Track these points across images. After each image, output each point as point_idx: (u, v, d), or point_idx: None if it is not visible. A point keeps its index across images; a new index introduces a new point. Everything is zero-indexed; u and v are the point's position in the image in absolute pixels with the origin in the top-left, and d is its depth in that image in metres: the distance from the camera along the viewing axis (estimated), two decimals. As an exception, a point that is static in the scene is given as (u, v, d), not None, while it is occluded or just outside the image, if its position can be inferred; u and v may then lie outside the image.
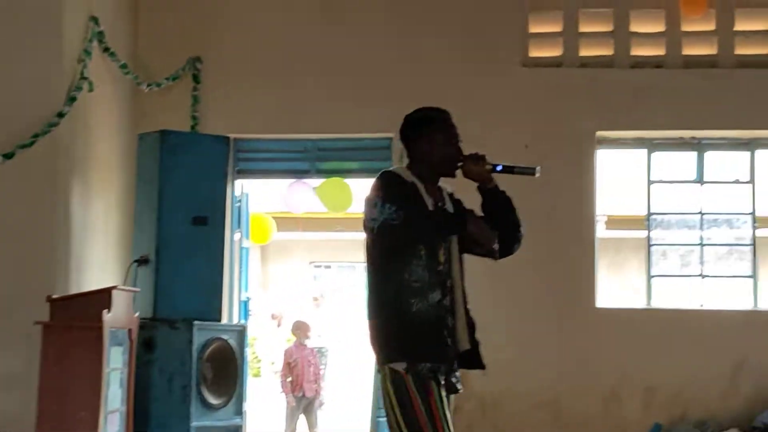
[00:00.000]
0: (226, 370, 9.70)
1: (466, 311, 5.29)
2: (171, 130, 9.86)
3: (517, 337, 10.36)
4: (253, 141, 11.35)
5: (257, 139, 11.36)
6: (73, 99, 9.33)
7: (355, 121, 11.00)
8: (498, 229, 5.23)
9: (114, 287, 8.46)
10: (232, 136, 10.70)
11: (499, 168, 5.26)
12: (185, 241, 9.58)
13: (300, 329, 13.62)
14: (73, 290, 9.26)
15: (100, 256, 10.12)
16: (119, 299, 8.35)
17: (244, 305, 11.63)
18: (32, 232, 9.17)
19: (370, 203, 5.10)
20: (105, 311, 8.04)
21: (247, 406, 10.59)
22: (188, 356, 9.30)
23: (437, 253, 5.20)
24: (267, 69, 11.09)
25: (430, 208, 5.20)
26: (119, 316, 8.32)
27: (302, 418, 13.15)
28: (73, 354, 8.05)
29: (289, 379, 13.07)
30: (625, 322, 10.68)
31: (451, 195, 5.41)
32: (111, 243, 10.39)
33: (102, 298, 8.21)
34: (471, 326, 5.29)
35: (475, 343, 5.27)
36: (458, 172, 5.34)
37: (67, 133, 9.41)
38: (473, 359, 5.28)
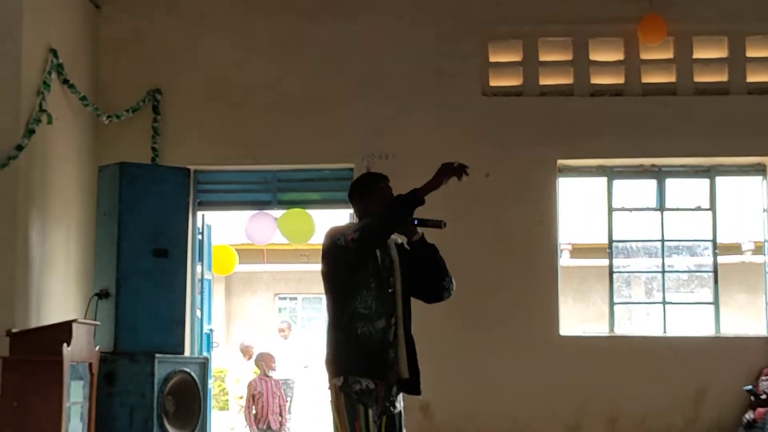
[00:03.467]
0: (188, 403, 9.61)
1: (409, 342, 5.93)
2: (131, 162, 9.81)
3: (479, 365, 10.36)
4: (213, 173, 11.30)
5: (218, 171, 11.30)
6: (31, 131, 9.28)
7: (315, 151, 10.97)
8: (427, 277, 5.99)
9: (74, 320, 8.41)
10: (192, 167, 10.67)
11: (415, 222, 5.92)
12: (146, 274, 9.52)
13: (263, 360, 13.57)
14: (33, 324, 9.19)
15: (60, 289, 10.02)
16: (79, 333, 8.30)
17: (207, 337, 11.55)
18: (-9, 265, 9.10)
19: None
20: (65, 345, 8.00)
21: (211, 439, 10.52)
22: (149, 389, 9.22)
23: (384, 287, 5.92)
24: (227, 100, 11.04)
25: (380, 261, 5.93)
26: (80, 349, 8.28)
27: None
28: (33, 388, 8.00)
29: (254, 411, 13.01)
30: (588, 351, 10.66)
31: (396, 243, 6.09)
32: (71, 276, 10.30)
33: (62, 331, 8.18)
34: (412, 356, 5.93)
35: (415, 372, 5.92)
36: None
37: (26, 165, 9.34)
38: (412, 385, 5.93)
